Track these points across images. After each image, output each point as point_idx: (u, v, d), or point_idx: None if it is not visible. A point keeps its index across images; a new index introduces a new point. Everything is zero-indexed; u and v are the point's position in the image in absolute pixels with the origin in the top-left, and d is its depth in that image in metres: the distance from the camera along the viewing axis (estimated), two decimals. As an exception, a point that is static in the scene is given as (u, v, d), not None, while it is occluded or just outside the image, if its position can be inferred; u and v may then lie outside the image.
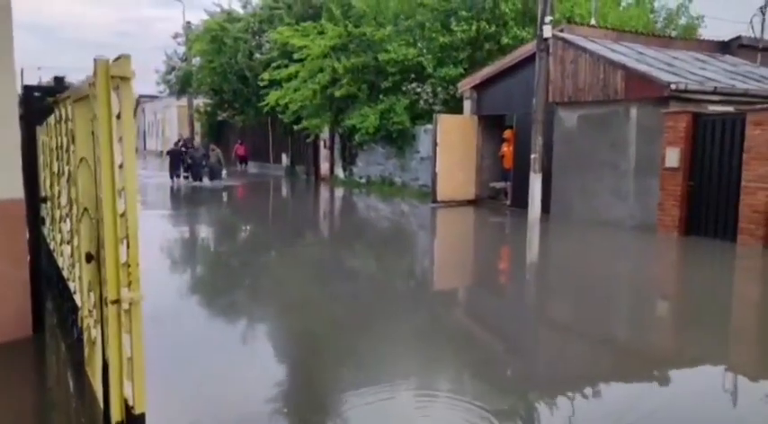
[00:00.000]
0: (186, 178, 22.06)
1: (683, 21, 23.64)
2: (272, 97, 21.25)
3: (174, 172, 21.99)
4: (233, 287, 7.65)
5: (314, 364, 4.84)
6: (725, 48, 15.57)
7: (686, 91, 10.75)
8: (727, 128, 10.00)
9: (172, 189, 20.36)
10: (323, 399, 4.22)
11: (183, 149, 23.47)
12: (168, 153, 23.23)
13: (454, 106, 17.00)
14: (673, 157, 10.58)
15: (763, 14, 18.55)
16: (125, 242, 2.77)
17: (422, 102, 18.68)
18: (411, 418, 3.91)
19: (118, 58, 2.64)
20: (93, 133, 3.09)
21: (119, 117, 2.71)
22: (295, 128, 21.79)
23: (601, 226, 11.64)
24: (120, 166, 2.72)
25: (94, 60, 2.58)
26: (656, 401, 4.22)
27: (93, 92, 2.77)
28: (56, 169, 4.99)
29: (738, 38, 15.89)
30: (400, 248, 10.87)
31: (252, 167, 28.04)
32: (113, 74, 2.62)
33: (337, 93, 18.76)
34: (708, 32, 22.82)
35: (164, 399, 3.80)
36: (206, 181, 21.57)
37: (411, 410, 4.01)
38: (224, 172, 22.16)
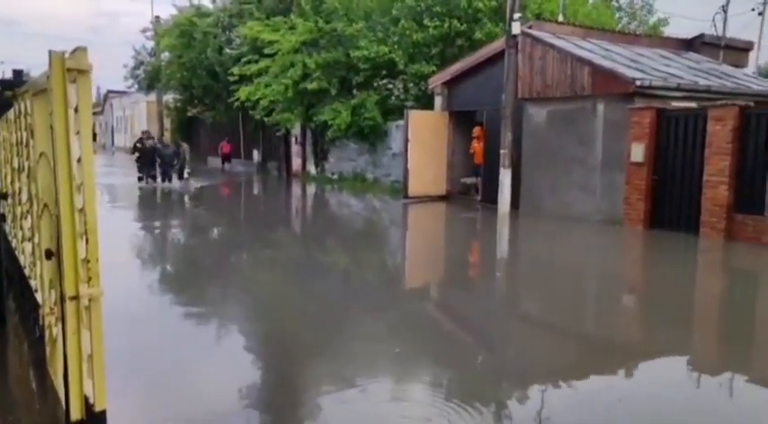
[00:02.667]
0: (153, 177, 20.05)
1: (653, 19, 24.12)
2: (243, 92, 21.02)
3: (148, 172, 19.99)
4: (205, 285, 7.59)
5: (282, 357, 4.84)
6: (688, 45, 15.90)
7: (650, 87, 10.97)
8: (690, 124, 10.23)
9: (140, 190, 18.92)
10: (293, 394, 4.22)
11: (154, 146, 20.95)
12: (139, 150, 20.24)
13: (426, 102, 17.06)
14: (638, 152, 10.79)
15: (725, 13, 19.02)
16: (84, 237, 2.73)
17: (393, 98, 18.69)
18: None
19: (74, 50, 2.60)
20: (51, 127, 3.04)
21: (76, 110, 2.67)
22: (266, 120, 21.54)
23: (569, 221, 11.81)
24: (78, 160, 2.68)
25: (49, 52, 2.54)
26: (622, 390, 4.32)
27: (49, 85, 2.72)
28: (16, 165, 4.88)
29: (701, 35, 16.23)
30: (372, 243, 10.90)
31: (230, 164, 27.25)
32: (70, 66, 2.57)
33: (309, 87, 18.66)
34: (671, 30, 23.36)
35: (125, 396, 3.77)
36: (175, 182, 20.22)
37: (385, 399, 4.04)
38: (187, 171, 20.86)
